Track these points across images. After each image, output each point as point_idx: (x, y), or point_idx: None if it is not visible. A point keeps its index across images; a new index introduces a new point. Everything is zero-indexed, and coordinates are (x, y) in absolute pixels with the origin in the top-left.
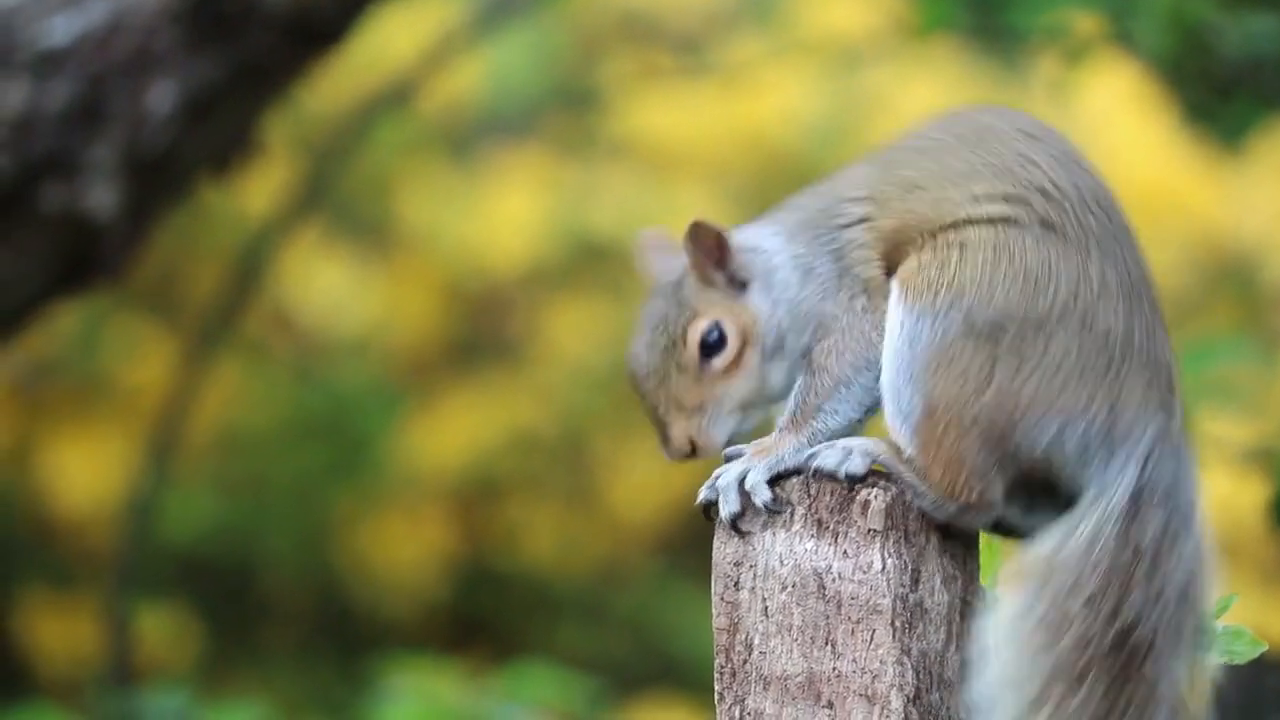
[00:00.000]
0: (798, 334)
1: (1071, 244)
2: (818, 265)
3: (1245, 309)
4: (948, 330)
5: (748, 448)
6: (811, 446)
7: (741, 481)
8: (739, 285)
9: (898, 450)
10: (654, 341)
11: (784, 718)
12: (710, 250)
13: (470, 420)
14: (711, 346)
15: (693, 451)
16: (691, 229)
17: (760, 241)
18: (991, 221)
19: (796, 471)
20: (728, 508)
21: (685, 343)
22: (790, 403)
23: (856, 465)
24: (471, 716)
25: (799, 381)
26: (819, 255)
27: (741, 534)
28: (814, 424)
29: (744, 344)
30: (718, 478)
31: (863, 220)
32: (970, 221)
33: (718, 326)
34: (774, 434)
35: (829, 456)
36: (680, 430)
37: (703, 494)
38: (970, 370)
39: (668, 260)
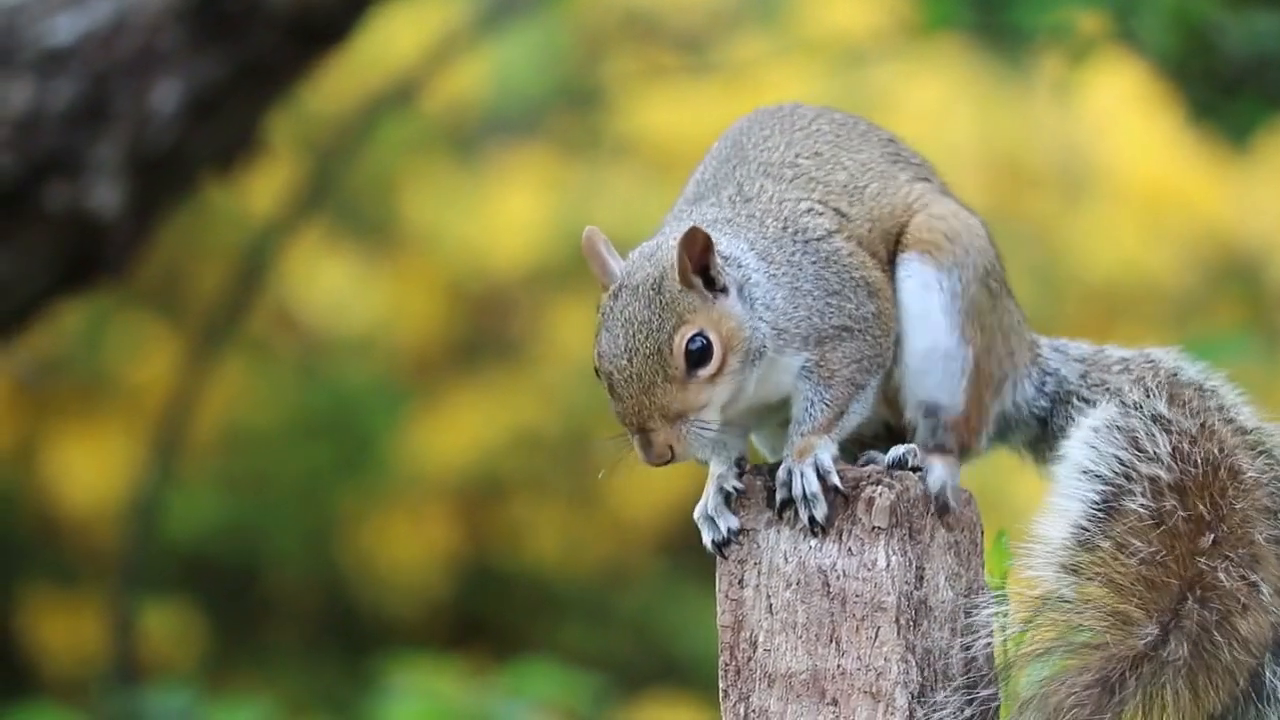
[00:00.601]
0: (790, 347)
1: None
2: (803, 284)
3: (1250, 307)
4: (971, 280)
5: (786, 454)
6: (837, 445)
7: (815, 481)
8: (718, 290)
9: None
10: (635, 347)
11: (788, 715)
12: (697, 256)
13: (474, 419)
14: (698, 355)
15: (670, 458)
16: (689, 234)
17: (736, 254)
18: (934, 193)
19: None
20: (820, 510)
21: (672, 351)
22: (813, 410)
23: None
24: (475, 715)
25: (817, 391)
26: (802, 275)
27: (825, 533)
28: (839, 425)
29: (726, 352)
30: (789, 484)
31: (836, 231)
32: (923, 199)
33: (703, 335)
34: (799, 439)
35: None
36: (663, 438)
37: (780, 495)
38: (985, 318)
39: (615, 259)
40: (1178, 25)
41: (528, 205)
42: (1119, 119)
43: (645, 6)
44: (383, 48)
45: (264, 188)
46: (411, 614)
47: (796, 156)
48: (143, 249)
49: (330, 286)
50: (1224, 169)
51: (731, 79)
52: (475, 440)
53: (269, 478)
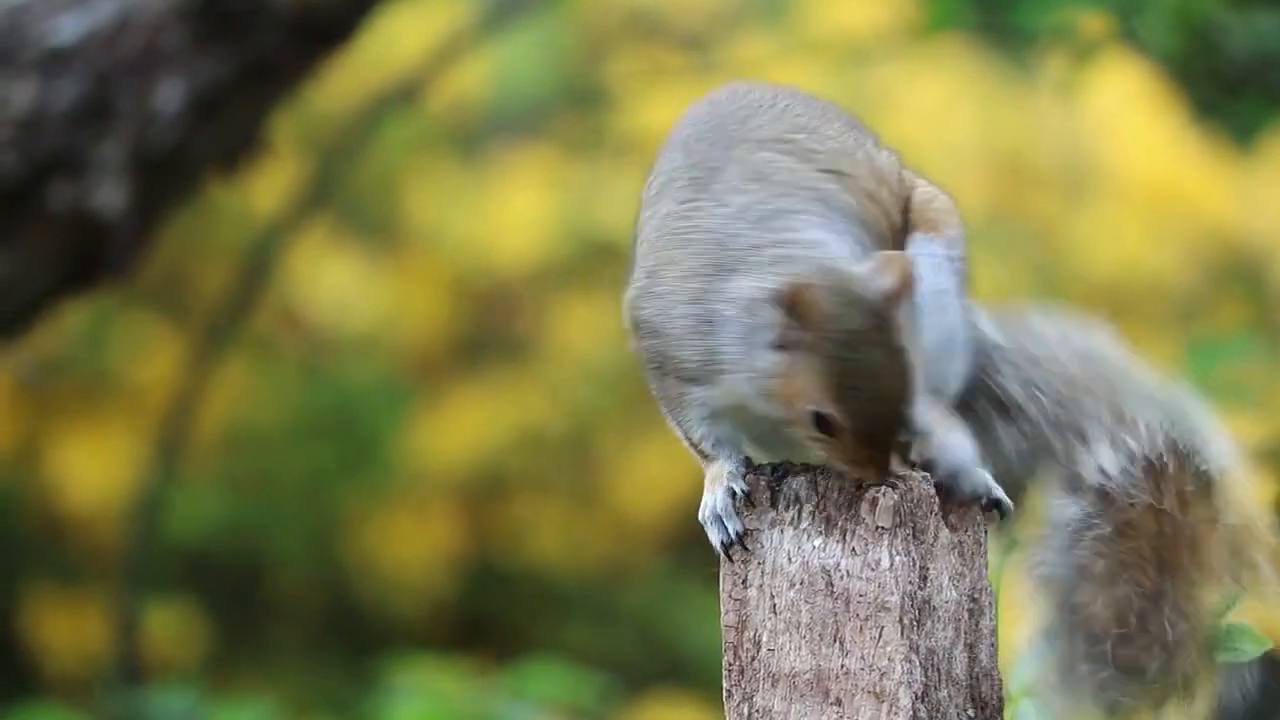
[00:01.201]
0: None
1: None
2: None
3: (1254, 307)
4: (964, 256)
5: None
6: None
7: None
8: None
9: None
10: None
11: (792, 715)
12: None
13: (478, 418)
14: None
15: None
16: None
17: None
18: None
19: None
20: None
21: None
22: None
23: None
24: (478, 715)
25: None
26: None
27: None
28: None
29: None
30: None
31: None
32: (907, 171)
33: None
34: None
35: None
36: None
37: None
38: (966, 290)
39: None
40: (1181, 25)
41: (531, 204)
42: (1122, 119)
43: (648, 6)
44: (387, 47)
45: (268, 187)
46: (415, 614)
47: (785, 132)
48: (146, 248)
49: (334, 285)
50: (1227, 169)
51: (734, 79)
52: (479, 439)
53: (272, 477)
